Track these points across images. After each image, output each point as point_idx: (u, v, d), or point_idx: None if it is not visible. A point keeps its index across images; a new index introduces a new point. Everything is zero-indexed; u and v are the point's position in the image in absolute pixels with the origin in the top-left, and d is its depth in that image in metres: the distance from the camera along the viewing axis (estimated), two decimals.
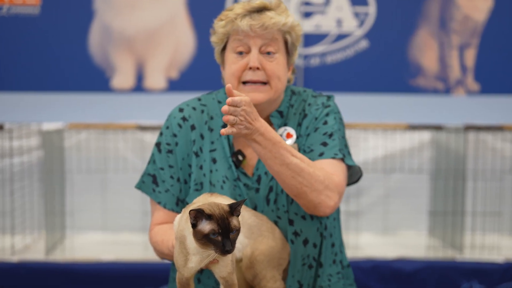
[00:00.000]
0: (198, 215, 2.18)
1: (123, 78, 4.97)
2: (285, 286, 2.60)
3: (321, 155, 2.63)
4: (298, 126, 2.72)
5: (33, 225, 4.81)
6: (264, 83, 2.63)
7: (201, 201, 2.36)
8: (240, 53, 2.62)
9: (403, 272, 4.39)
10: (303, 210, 2.64)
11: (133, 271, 4.34)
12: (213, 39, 2.69)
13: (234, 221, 2.21)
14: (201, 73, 4.88)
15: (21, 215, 4.66)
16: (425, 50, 5.07)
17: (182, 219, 2.29)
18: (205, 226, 2.17)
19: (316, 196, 2.53)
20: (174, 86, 4.98)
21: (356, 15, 5.04)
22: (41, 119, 4.57)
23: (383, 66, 5.08)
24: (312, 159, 2.61)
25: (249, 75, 2.62)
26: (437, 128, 4.62)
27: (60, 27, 4.95)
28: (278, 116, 2.73)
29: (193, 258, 2.27)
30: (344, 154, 2.67)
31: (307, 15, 5.02)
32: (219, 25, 2.63)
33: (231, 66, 2.63)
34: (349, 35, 5.05)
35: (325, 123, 2.70)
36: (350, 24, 5.05)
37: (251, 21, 2.57)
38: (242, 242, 2.44)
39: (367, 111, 4.98)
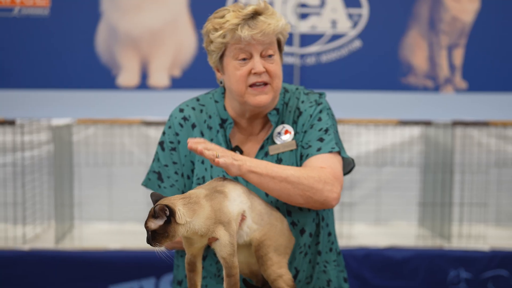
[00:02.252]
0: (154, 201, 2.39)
1: (128, 76, 5.00)
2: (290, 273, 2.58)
3: (319, 150, 2.66)
4: (293, 124, 2.75)
5: (43, 216, 4.84)
6: (266, 83, 2.65)
7: (212, 183, 2.47)
8: (243, 59, 2.62)
9: (394, 260, 4.43)
10: None
11: (138, 259, 4.38)
12: (211, 48, 2.66)
13: (149, 222, 2.31)
14: (202, 71, 4.85)
15: (32, 206, 4.69)
16: (416, 50, 5.10)
17: None
18: None
19: (320, 195, 2.56)
20: (176, 84, 5.02)
21: (350, 16, 5.06)
22: (51, 115, 4.61)
23: (375, 65, 5.11)
24: (311, 154, 2.65)
25: (254, 79, 2.62)
26: (426, 123, 4.67)
27: (68, 27, 4.96)
28: (275, 114, 2.75)
29: (196, 238, 2.35)
30: (339, 147, 2.70)
31: (303, 16, 5.05)
32: (217, 35, 2.59)
33: (236, 73, 2.64)
34: (343, 36, 5.07)
35: (320, 119, 2.73)
36: (344, 25, 5.07)
37: (250, 30, 2.55)
38: (250, 227, 2.47)
39: (360, 107, 5.01)
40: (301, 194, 2.55)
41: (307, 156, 2.67)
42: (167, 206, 2.27)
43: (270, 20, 2.60)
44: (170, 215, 2.27)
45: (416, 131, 5.01)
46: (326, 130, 2.71)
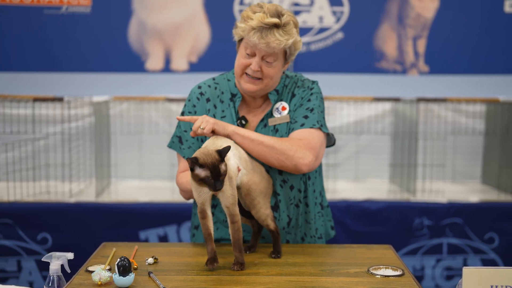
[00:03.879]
0: (193, 163, 2.21)
1: (154, 61, 4.87)
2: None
3: (302, 125, 2.63)
4: (289, 103, 2.70)
5: (86, 174, 4.72)
6: (259, 78, 2.59)
7: (209, 143, 2.41)
8: (248, 54, 2.55)
9: (370, 210, 4.30)
10: None
11: (163, 209, 4.25)
12: (235, 30, 2.59)
13: (223, 167, 2.23)
14: (214, 58, 4.80)
15: (77, 167, 4.57)
16: (387, 40, 4.95)
17: None
18: (201, 172, 2.22)
19: (291, 160, 2.55)
20: (194, 68, 4.88)
21: (334, 13, 4.91)
22: (92, 93, 4.46)
23: (354, 53, 4.96)
24: (295, 128, 2.63)
25: (249, 71, 2.57)
26: (396, 100, 4.51)
27: (106, 22, 4.83)
28: (274, 93, 2.70)
29: (204, 189, 2.28)
30: (321, 124, 2.66)
31: (296, 13, 4.89)
32: (240, 27, 2.54)
33: (240, 60, 2.59)
34: (328, 29, 4.92)
35: (309, 100, 2.68)
36: (329, 20, 4.92)
37: (260, 38, 2.47)
38: (242, 172, 2.45)
39: (342, 87, 4.89)
40: (275, 157, 2.55)
41: (292, 129, 2.64)
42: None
43: (281, 37, 2.49)
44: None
45: (387, 106, 4.91)
46: (312, 110, 2.66)
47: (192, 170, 2.23)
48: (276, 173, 2.67)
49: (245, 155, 2.52)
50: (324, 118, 2.73)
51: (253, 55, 2.55)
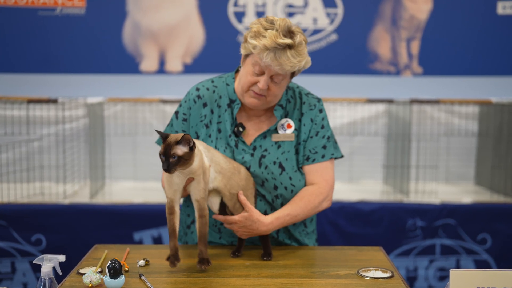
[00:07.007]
0: (160, 136, 2.27)
1: (149, 63, 4.88)
2: None
3: (323, 156, 2.68)
4: (298, 121, 2.69)
5: (80, 176, 4.72)
6: (264, 95, 2.56)
7: (204, 150, 2.42)
8: (256, 73, 2.49)
9: (363, 211, 4.31)
10: (289, 183, 2.68)
11: (157, 211, 4.25)
12: (244, 44, 2.53)
13: (176, 149, 2.20)
14: (209, 59, 4.80)
15: (71, 168, 4.56)
16: (381, 42, 4.96)
17: None
18: (161, 148, 2.23)
19: (320, 209, 2.70)
20: (188, 69, 4.89)
21: (328, 15, 4.93)
22: (86, 94, 4.45)
23: (348, 54, 4.98)
24: (317, 160, 2.68)
25: (256, 89, 2.52)
26: (390, 101, 4.51)
27: (101, 24, 4.84)
28: (279, 109, 2.68)
29: (175, 180, 2.30)
30: (336, 152, 2.73)
31: (290, 15, 4.91)
32: (252, 44, 2.45)
33: (247, 77, 2.53)
34: (323, 30, 4.93)
35: (322, 127, 2.70)
36: (323, 22, 4.93)
37: (273, 60, 2.41)
38: (212, 174, 2.41)
39: (336, 88, 4.89)
40: (308, 215, 2.67)
41: (314, 160, 2.69)
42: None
43: (293, 59, 2.43)
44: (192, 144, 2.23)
45: (381, 107, 4.92)
46: (328, 138, 2.70)
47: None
48: (272, 188, 2.65)
49: (218, 158, 2.47)
50: (335, 141, 2.77)
51: (261, 73, 2.50)
